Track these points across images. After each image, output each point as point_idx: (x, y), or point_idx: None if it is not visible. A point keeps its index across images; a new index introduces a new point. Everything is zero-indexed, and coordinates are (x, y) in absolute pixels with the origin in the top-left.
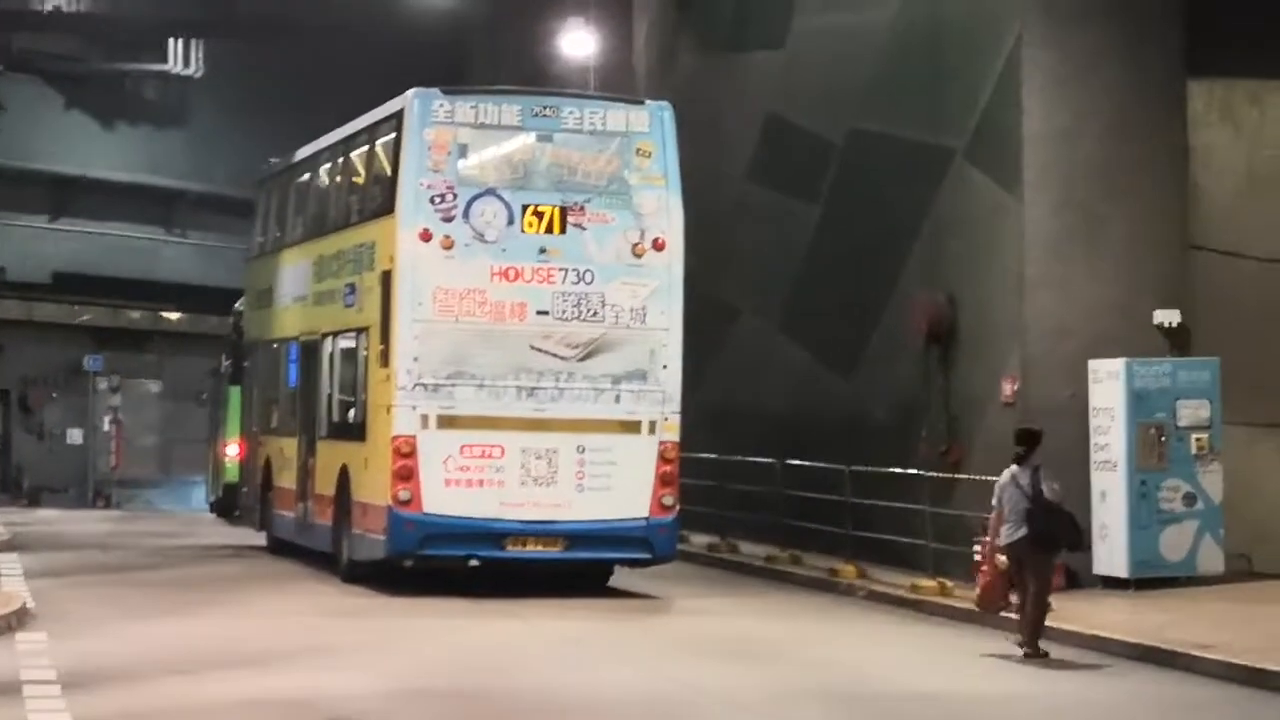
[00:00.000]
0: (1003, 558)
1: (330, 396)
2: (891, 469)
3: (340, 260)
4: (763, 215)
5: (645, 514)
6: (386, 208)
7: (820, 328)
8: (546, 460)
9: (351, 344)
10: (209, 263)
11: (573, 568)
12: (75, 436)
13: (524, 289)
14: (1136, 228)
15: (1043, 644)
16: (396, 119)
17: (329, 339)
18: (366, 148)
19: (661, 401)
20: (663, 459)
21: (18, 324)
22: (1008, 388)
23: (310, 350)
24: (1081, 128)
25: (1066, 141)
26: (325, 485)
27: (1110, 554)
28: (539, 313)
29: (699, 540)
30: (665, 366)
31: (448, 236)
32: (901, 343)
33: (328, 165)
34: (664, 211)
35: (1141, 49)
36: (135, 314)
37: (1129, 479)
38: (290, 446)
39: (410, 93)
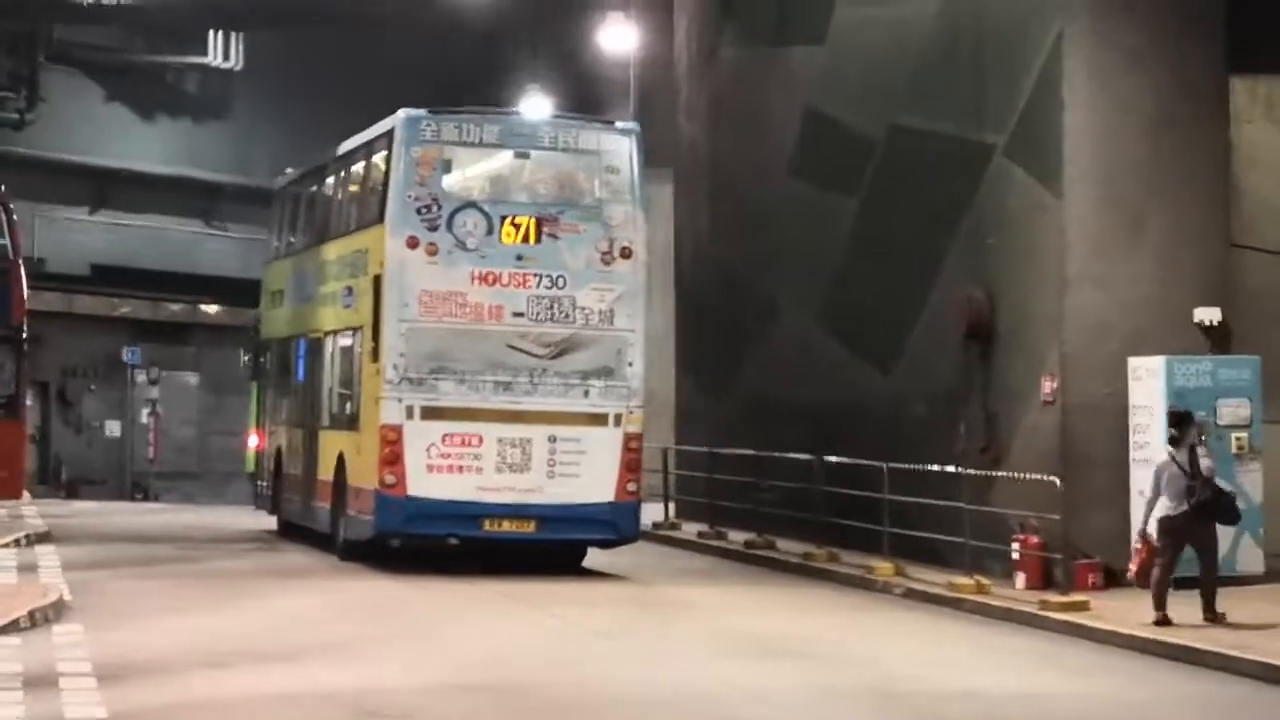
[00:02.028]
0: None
1: (330, 390)
2: (930, 466)
3: (340, 265)
4: (803, 210)
5: (611, 498)
6: (378, 218)
7: (859, 324)
8: (521, 449)
9: (349, 342)
10: (248, 256)
11: (550, 549)
12: (113, 429)
13: (501, 293)
14: (1177, 225)
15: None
16: (388, 137)
17: (330, 337)
18: (363, 163)
19: (627, 396)
20: (627, 448)
21: (57, 316)
22: (1047, 385)
23: (314, 347)
24: (1123, 124)
25: (1108, 138)
26: (325, 471)
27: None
28: (515, 314)
29: (736, 537)
30: (630, 364)
31: (432, 244)
32: (941, 339)
33: (330, 178)
34: (631, 223)
35: (1184, 45)
36: (174, 306)
37: None
38: (297, 436)
39: (400, 113)
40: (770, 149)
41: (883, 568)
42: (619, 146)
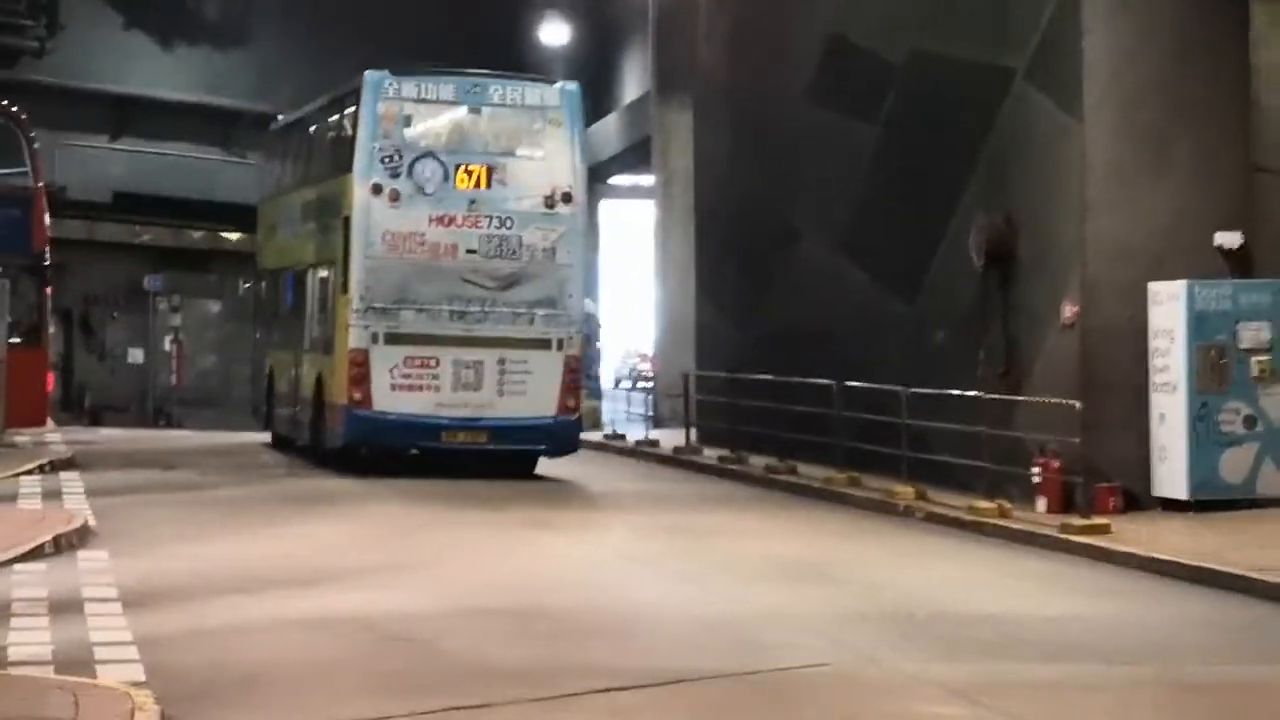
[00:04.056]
0: None
1: (312, 317)
2: (950, 391)
3: (319, 205)
4: (824, 137)
5: (553, 413)
6: (347, 165)
7: (880, 250)
8: (474, 370)
9: (326, 275)
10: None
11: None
12: (136, 356)
13: (456, 233)
14: (1198, 149)
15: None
16: (356, 94)
17: (311, 270)
18: (335, 116)
19: (567, 324)
20: (567, 369)
21: (78, 244)
22: (1068, 310)
23: (299, 279)
24: (1144, 48)
25: (1128, 62)
26: (307, 390)
27: (1170, 476)
28: (468, 251)
29: (757, 462)
30: (570, 296)
31: (395, 190)
32: (962, 265)
33: (310, 128)
34: (570, 170)
35: None
36: (196, 234)
37: (1189, 401)
38: (286, 359)
39: (365, 74)
40: (791, 75)
41: (904, 491)
42: (561, 102)
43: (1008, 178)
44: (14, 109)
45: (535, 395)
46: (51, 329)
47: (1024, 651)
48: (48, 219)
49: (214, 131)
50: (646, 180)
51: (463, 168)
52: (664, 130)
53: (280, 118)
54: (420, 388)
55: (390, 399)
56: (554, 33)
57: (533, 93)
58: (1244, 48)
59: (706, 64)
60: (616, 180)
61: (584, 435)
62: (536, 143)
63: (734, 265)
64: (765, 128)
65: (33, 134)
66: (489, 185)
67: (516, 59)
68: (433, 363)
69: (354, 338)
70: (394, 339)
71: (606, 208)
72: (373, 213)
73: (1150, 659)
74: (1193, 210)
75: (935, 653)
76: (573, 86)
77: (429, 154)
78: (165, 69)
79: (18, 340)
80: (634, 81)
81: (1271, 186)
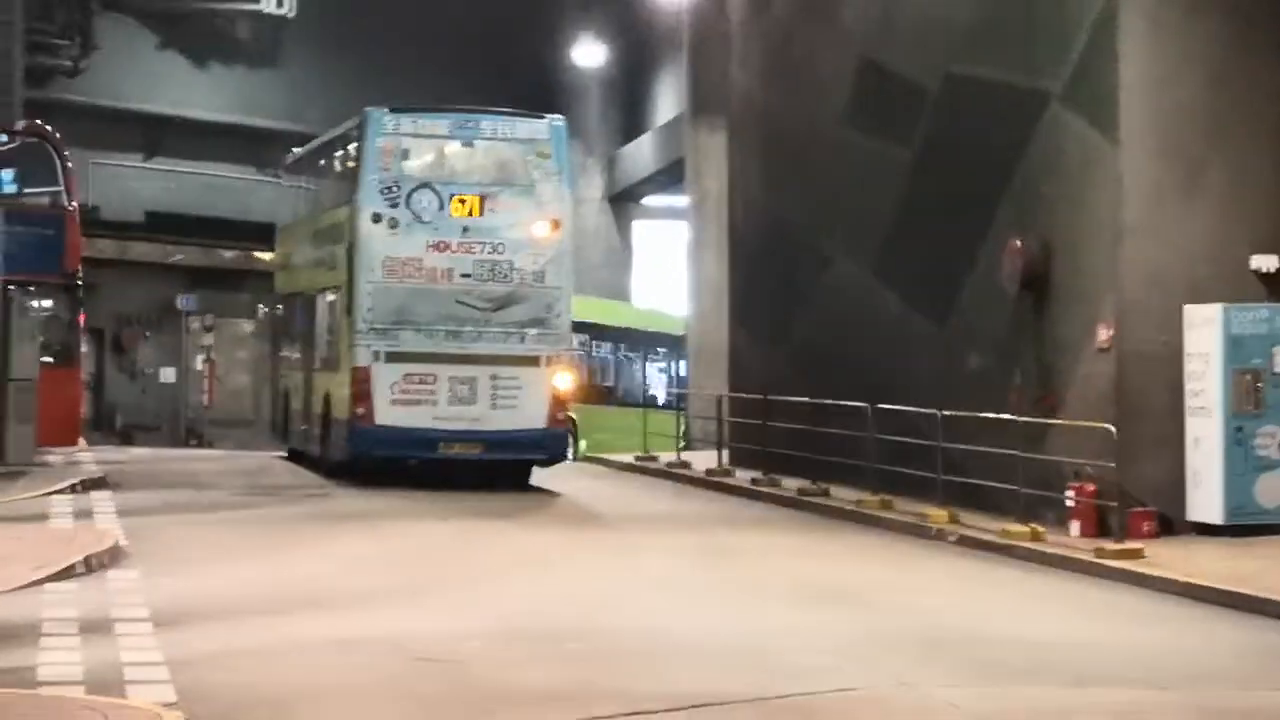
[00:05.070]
0: None
1: (320, 338)
2: (984, 414)
3: (327, 233)
4: (856, 160)
5: (543, 425)
6: (351, 196)
7: (913, 273)
8: (469, 385)
9: (333, 298)
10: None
11: (496, 466)
12: (168, 375)
13: (451, 258)
14: (1234, 173)
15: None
16: (359, 130)
17: (321, 294)
18: (341, 150)
19: (556, 342)
20: (555, 385)
21: (111, 263)
22: (1103, 334)
23: (310, 302)
24: (1180, 72)
25: (1164, 86)
26: (317, 406)
27: (1205, 500)
28: (463, 275)
29: (789, 484)
30: (559, 315)
31: (394, 218)
32: (995, 289)
33: (320, 160)
34: (558, 199)
35: None
36: (228, 254)
37: (1224, 425)
38: (299, 378)
39: (366, 110)
40: (824, 99)
41: (937, 515)
42: (549, 136)
43: (1042, 201)
44: (48, 128)
45: (526, 408)
46: (84, 348)
47: (1055, 676)
48: (81, 238)
49: (246, 151)
50: (680, 201)
51: (457, 197)
52: (697, 152)
53: (295, 150)
54: (419, 402)
55: (391, 413)
56: (588, 55)
57: (522, 127)
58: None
59: (740, 87)
60: (650, 201)
61: (613, 456)
62: (526, 173)
63: (767, 287)
64: (798, 151)
65: (66, 153)
66: (482, 214)
67: (550, 81)
68: (430, 379)
69: (357, 356)
70: (394, 357)
71: (640, 228)
72: (374, 240)
73: (1182, 685)
74: (1228, 233)
75: (966, 677)
76: (559, 121)
77: (426, 185)
78: (198, 89)
79: (50, 360)
80: (668, 103)
81: None
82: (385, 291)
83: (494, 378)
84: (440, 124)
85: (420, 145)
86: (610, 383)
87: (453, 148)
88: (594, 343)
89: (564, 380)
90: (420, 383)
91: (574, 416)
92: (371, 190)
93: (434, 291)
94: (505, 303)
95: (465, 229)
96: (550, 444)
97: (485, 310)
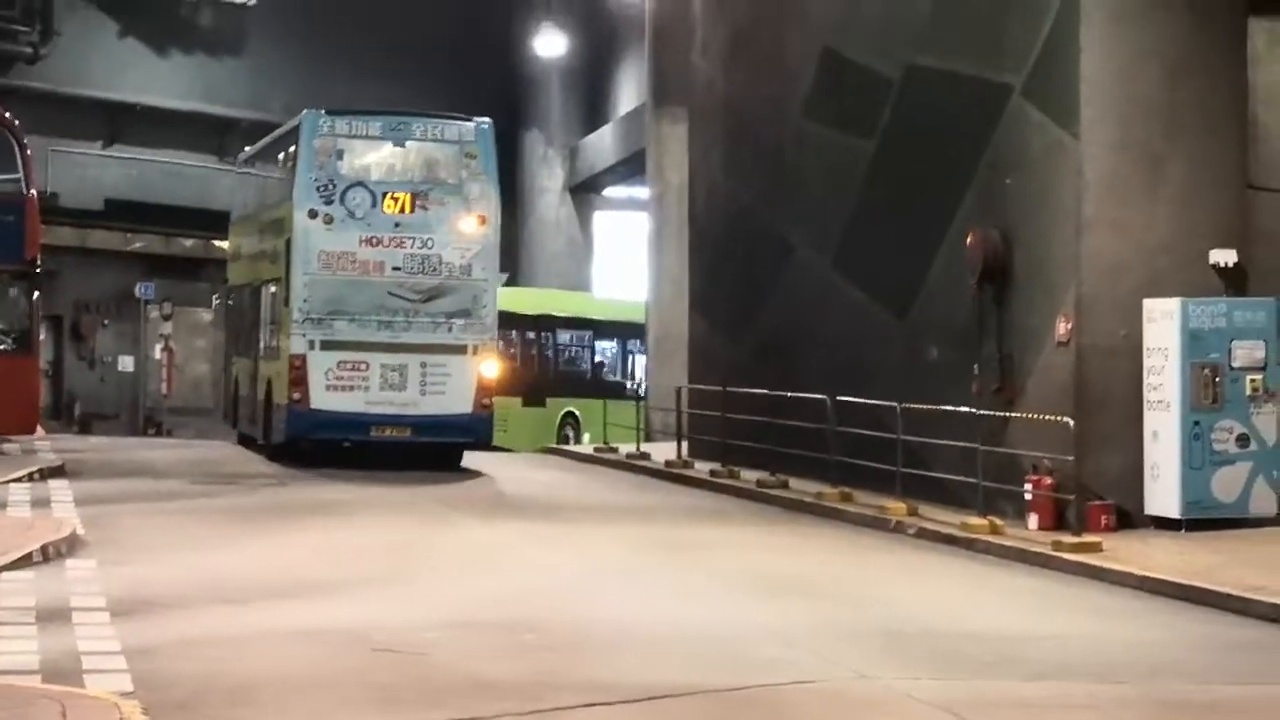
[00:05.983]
0: None
1: (264, 327)
2: (944, 407)
3: (269, 228)
4: (818, 151)
5: (469, 410)
6: (289, 194)
7: (874, 265)
8: (399, 372)
9: (275, 290)
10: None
11: (429, 450)
12: (126, 364)
13: (383, 252)
14: (1195, 167)
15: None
16: (296, 131)
17: (265, 285)
18: (282, 151)
19: (481, 331)
20: (481, 372)
21: (70, 250)
22: (1062, 326)
23: (256, 293)
24: (1141, 66)
25: (1125, 79)
26: (261, 392)
27: (1162, 494)
28: (394, 269)
29: (749, 476)
30: (485, 307)
31: (329, 214)
32: (956, 281)
33: (263, 160)
34: (485, 198)
35: None
36: (188, 242)
37: (1182, 419)
38: (246, 365)
39: (303, 113)
40: (786, 89)
41: (896, 507)
42: (477, 138)
43: (1003, 193)
44: (7, 114)
45: (453, 394)
46: (42, 336)
47: (1013, 669)
48: (40, 226)
49: (207, 139)
50: (641, 193)
51: (389, 195)
52: (659, 143)
53: (247, 148)
54: (352, 388)
55: (326, 398)
56: (549, 44)
57: (451, 129)
58: (1241, 66)
59: (702, 77)
60: (611, 192)
61: (573, 447)
62: (455, 173)
63: (727, 278)
64: (760, 141)
65: (25, 140)
66: (412, 211)
67: (511, 71)
68: (363, 366)
69: (294, 344)
70: (329, 345)
71: (601, 219)
72: (310, 235)
73: (1139, 678)
74: (1188, 227)
75: (924, 669)
76: (486, 124)
77: (359, 183)
78: (159, 76)
79: (7, 348)
80: (629, 94)
81: (1267, 204)
82: (321, 283)
83: (423, 365)
84: (374, 125)
85: (355, 146)
86: (617, 376)
87: (386, 148)
88: (595, 340)
89: (490, 368)
90: (353, 369)
91: (575, 411)
92: (308, 188)
93: (367, 283)
94: (434, 294)
95: (397, 225)
96: (476, 427)
97: (415, 301)
